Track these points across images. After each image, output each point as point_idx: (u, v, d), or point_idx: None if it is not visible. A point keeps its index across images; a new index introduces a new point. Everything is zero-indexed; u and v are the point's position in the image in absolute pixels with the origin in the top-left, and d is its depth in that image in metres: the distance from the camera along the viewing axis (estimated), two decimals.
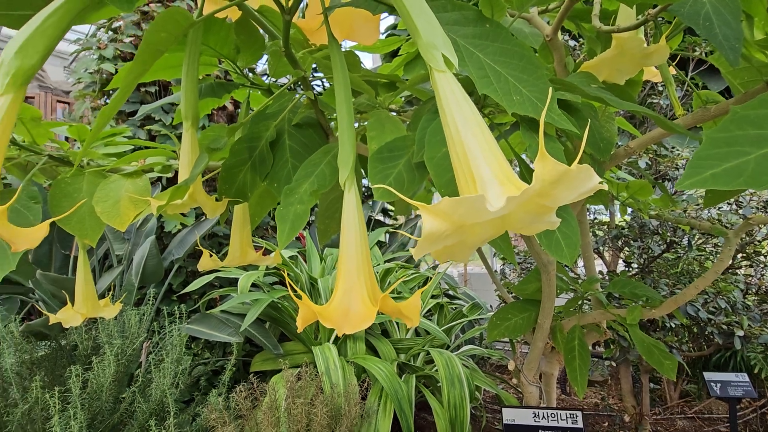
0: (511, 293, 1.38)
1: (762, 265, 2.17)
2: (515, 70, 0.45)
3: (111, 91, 3.47)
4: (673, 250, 2.08)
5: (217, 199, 0.69)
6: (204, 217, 2.74)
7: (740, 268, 2.17)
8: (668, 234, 1.94)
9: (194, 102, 0.66)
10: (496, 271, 3.29)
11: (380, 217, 5.62)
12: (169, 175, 0.82)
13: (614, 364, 2.15)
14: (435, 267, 4.65)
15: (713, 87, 2.73)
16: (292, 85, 0.71)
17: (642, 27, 0.72)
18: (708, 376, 2.01)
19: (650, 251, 1.98)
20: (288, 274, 2.93)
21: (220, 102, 0.92)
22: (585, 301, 0.99)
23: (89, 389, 1.55)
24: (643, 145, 0.74)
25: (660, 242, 1.97)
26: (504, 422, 1.04)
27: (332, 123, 0.74)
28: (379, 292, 0.45)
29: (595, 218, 2.63)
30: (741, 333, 1.65)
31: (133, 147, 0.89)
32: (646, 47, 0.73)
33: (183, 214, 3.10)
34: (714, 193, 0.86)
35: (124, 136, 0.91)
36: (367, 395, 2.02)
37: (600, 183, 0.26)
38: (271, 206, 0.97)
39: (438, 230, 0.27)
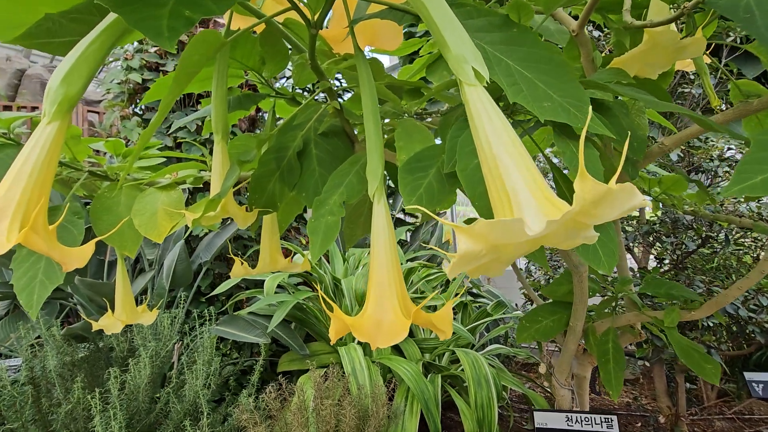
0: (539, 293, 1.36)
1: None
2: (544, 74, 0.44)
3: (138, 100, 3.59)
4: (708, 245, 2.00)
5: (247, 210, 0.71)
6: (230, 221, 2.81)
7: None
8: (704, 229, 1.87)
9: (224, 115, 0.68)
10: (521, 269, 3.24)
11: (401, 216, 5.63)
12: (200, 185, 0.85)
13: (647, 363, 2.08)
14: None
15: (749, 73, 2.60)
16: (317, 96, 0.72)
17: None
18: (749, 376, 1.93)
19: (684, 247, 1.91)
20: (314, 280, 2.97)
21: (247, 112, 0.94)
22: (618, 302, 0.96)
23: (127, 390, 1.61)
24: (679, 142, 0.71)
25: (695, 237, 1.89)
26: (536, 426, 1.02)
27: (356, 130, 0.74)
28: (411, 304, 0.45)
29: None
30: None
31: (165, 159, 0.92)
32: (681, 40, 0.70)
33: None
34: (732, 187, 0.83)
35: (156, 149, 0.94)
36: (393, 395, 2.03)
37: (643, 200, 0.25)
38: (297, 212, 0.98)
39: (473, 251, 0.26)
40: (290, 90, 0.88)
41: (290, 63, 0.81)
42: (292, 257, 0.80)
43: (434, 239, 4.15)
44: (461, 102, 0.54)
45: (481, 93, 0.32)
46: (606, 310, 0.96)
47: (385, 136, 0.74)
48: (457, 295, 2.87)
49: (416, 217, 6.06)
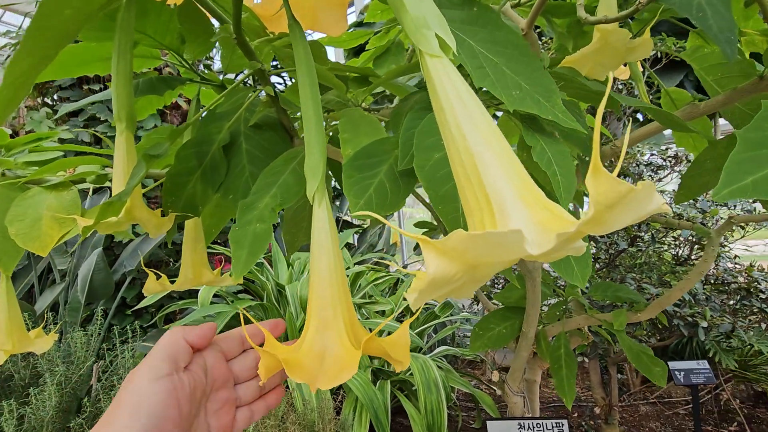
0: (491, 299, 1.35)
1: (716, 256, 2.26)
2: (511, 60, 0.38)
3: (50, 89, 3.18)
4: (636, 245, 2.12)
5: (162, 215, 0.59)
6: None
7: (696, 259, 2.25)
8: (633, 228, 1.98)
9: (128, 100, 0.55)
10: None
11: (347, 218, 5.53)
12: (106, 185, 0.71)
13: (587, 359, 2.17)
14: (405, 266, 4.61)
15: (667, 84, 2.81)
16: (248, 80, 0.61)
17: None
18: (672, 365, 2.07)
19: (616, 246, 2.01)
20: (256, 288, 2.78)
21: (165, 101, 0.81)
22: (567, 306, 0.95)
23: (26, 426, 1.37)
24: (633, 143, 0.70)
25: (625, 237, 2.00)
26: None
27: (296, 124, 0.65)
28: (361, 330, 0.37)
29: None
30: (705, 324, 1.69)
31: (64, 153, 0.77)
32: (631, 40, 0.69)
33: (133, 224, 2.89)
34: (686, 190, 0.84)
35: (59, 140, 0.78)
36: (341, 407, 1.93)
37: (663, 204, 0.19)
38: (230, 215, 0.87)
39: (446, 274, 0.19)
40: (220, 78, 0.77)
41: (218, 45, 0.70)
42: (222, 268, 0.69)
43: (382, 241, 4.11)
44: (416, 90, 0.47)
45: (448, 66, 0.25)
46: (556, 315, 0.95)
47: (330, 134, 0.66)
48: (412, 315, 2.84)
49: (364, 219, 5.99)
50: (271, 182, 0.44)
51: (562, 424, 0.98)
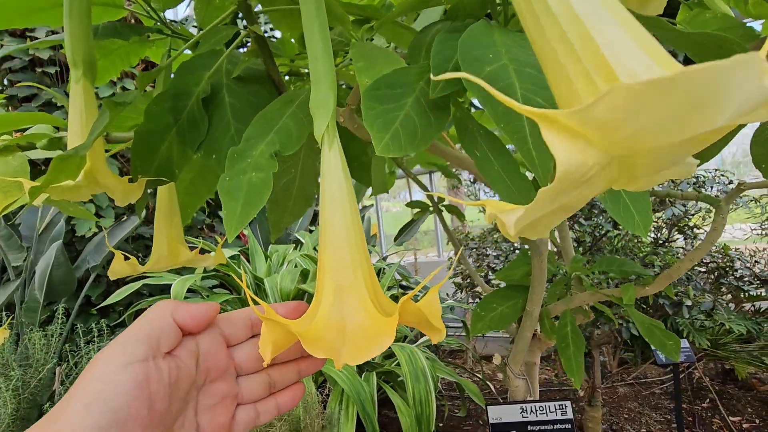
0: (486, 280, 1.30)
1: (693, 237, 2.32)
2: None
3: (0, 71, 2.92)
4: (620, 227, 2.14)
5: (131, 180, 0.50)
6: (125, 217, 2.39)
7: (675, 241, 2.30)
8: None
9: (85, 41, 0.46)
10: (450, 258, 3.26)
11: None
12: (60, 152, 0.61)
13: None
14: (385, 258, 4.56)
15: None
16: (229, 22, 0.53)
17: None
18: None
19: (601, 228, 2.02)
20: (233, 281, 2.66)
21: (130, 61, 0.71)
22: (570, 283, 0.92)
23: None
24: None
25: (609, 219, 2.01)
26: (490, 422, 0.94)
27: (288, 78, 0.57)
28: (384, 297, 0.30)
29: None
30: (689, 302, 1.72)
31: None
32: None
33: (98, 215, 2.69)
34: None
35: None
36: (327, 401, 1.86)
37: None
38: (207, 195, 0.78)
39: (581, 168, 0.13)
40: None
41: None
42: (200, 250, 0.61)
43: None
44: (435, 21, 0.40)
45: None
46: (560, 292, 0.91)
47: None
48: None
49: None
50: (266, 128, 0.37)
51: (565, 406, 0.95)
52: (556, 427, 0.94)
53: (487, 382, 3.09)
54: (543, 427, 0.94)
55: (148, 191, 0.55)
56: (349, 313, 0.26)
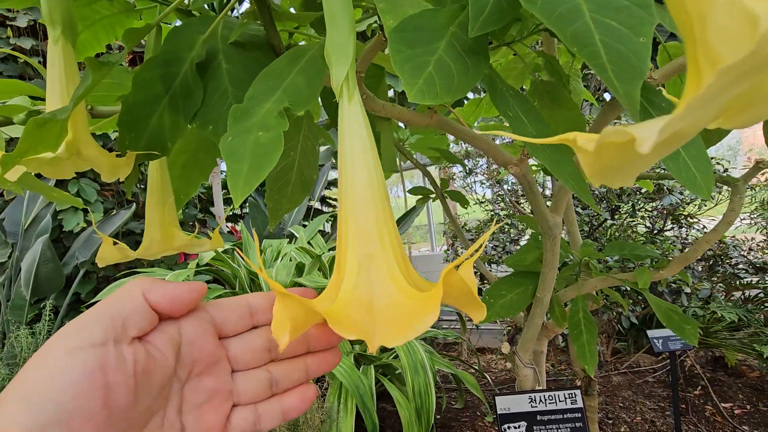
0: (492, 265, 1.27)
1: (688, 227, 2.32)
2: None
3: None
4: (617, 216, 2.13)
5: (119, 156, 0.46)
6: (114, 211, 2.32)
7: (671, 230, 2.30)
8: (615, 200, 1.97)
9: None
10: (447, 250, 3.24)
11: (318, 205, 5.35)
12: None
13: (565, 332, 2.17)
14: None
15: None
16: None
17: None
18: (651, 333, 2.11)
19: (598, 217, 2.00)
20: (227, 276, 2.60)
21: (116, 33, 0.66)
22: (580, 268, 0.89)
23: None
24: (668, 76, 0.63)
25: (607, 208, 2.00)
26: (498, 413, 0.92)
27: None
28: (414, 272, 0.26)
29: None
30: (687, 290, 1.71)
31: None
32: None
33: (85, 210, 2.61)
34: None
35: None
36: (325, 394, 1.83)
37: None
38: (201, 179, 0.73)
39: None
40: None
41: None
42: (202, 229, 0.56)
43: None
44: None
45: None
46: (572, 276, 0.88)
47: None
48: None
49: (334, 206, 5.83)
50: (272, 86, 0.33)
51: (575, 395, 0.92)
52: (565, 416, 0.91)
53: (484, 374, 3.09)
54: (552, 417, 0.91)
55: (139, 178, 0.50)
56: (378, 289, 0.22)
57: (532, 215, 1.11)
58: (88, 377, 0.22)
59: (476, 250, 0.22)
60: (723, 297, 2.52)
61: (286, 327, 0.23)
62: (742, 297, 2.66)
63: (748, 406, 2.66)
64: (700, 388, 2.97)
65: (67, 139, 0.40)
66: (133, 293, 0.26)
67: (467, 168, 2.54)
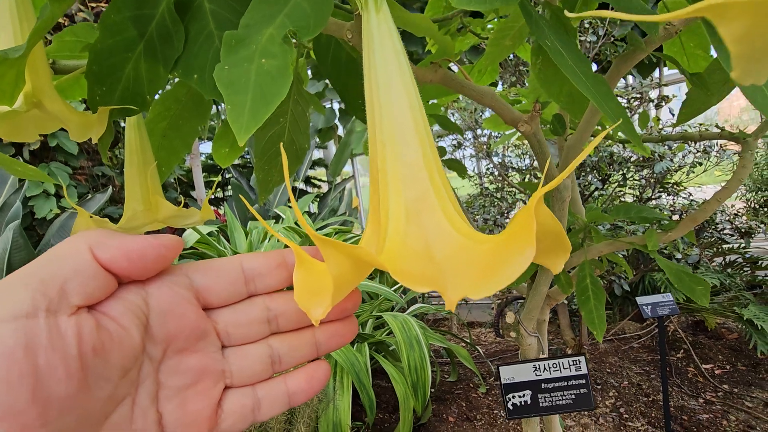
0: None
1: (676, 194, 2.34)
2: None
3: None
4: (606, 185, 2.13)
5: (90, 112, 0.39)
6: (89, 195, 2.20)
7: (659, 198, 2.32)
8: (606, 168, 1.97)
9: None
10: None
11: (302, 186, 5.26)
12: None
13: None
14: None
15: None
16: None
17: None
18: (640, 300, 2.14)
19: (589, 187, 2.00)
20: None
21: None
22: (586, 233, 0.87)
23: None
24: (687, 19, 0.59)
25: (598, 178, 1.99)
26: (502, 383, 0.90)
27: None
28: (461, 215, 0.22)
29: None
30: (678, 256, 1.73)
31: None
32: None
33: (58, 195, 2.48)
34: (687, 109, 0.77)
35: None
36: None
37: None
38: (184, 150, 0.67)
39: None
40: None
41: None
42: (184, 205, 0.51)
43: (343, 205, 3.94)
44: None
45: None
46: (579, 242, 0.85)
47: None
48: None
49: (318, 186, 5.75)
50: (271, 12, 0.27)
51: (579, 362, 0.92)
52: (570, 383, 0.91)
53: (476, 347, 3.13)
54: (557, 384, 0.91)
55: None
56: (436, 237, 0.18)
57: (521, 187, 1.08)
58: (6, 360, 0.17)
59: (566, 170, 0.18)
60: (708, 263, 2.59)
61: (321, 292, 0.18)
62: (723, 262, 2.73)
63: (728, 366, 2.77)
64: (682, 351, 3.07)
65: (26, 90, 0.34)
66: (77, 249, 0.20)
67: (456, 141, 2.50)
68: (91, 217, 0.45)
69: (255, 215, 0.19)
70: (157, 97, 0.53)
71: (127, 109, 0.39)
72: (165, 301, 0.23)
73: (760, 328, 2.34)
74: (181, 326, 0.23)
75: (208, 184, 4.25)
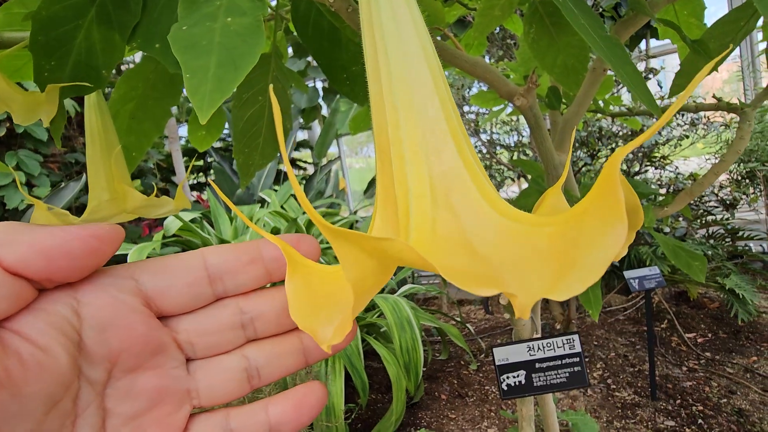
0: None
1: (662, 168, 2.35)
2: None
3: None
4: (595, 160, 2.12)
5: (40, 91, 0.35)
6: (63, 183, 2.10)
7: (646, 172, 2.33)
8: (596, 143, 1.95)
9: None
10: None
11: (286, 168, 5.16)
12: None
13: None
14: (355, 212, 4.46)
15: None
16: None
17: None
18: (627, 274, 2.18)
19: (578, 162, 1.99)
20: (196, 247, 2.47)
21: None
22: None
23: None
24: None
25: (588, 152, 1.98)
26: (496, 364, 0.90)
27: None
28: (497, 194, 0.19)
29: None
30: (667, 229, 1.74)
31: None
32: None
33: (30, 184, 2.37)
34: (683, 79, 0.74)
35: None
36: None
37: None
38: (155, 133, 0.62)
39: None
40: None
41: None
42: (164, 192, 0.46)
43: (330, 187, 3.88)
44: None
45: None
46: None
47: None
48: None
49: (304, 168, 5.64)
50: None
51: (573, 340, 0.91)
52: (564, 361, 0.90)
53: (466, 324, 3.17)
54: (551, 363, 0.90)
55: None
56: (474, 221, 0.14)
57: (507, 164, 1.05)
58: None
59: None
60: (694, 234, 2.63)
61: (327, 306, 0.15)
62: (707, 234, 2.78)
63: (710, 335, 2.86)
64: (666, 321, 3.16)
65: None
66: None
67: None
68: (49, 209, 0.41)
69: (229, 204, 0.15)
70: (121, 76, 0.47)
71: (80, 86, 0.34)
72: (103, 310, 0.18)
73: (741, 296, 2.40)
74: (128, 340, 0.19)
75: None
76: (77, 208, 2.52)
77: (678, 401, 2.18)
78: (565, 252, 0.13)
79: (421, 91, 0.15)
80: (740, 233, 2.77)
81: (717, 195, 2.04)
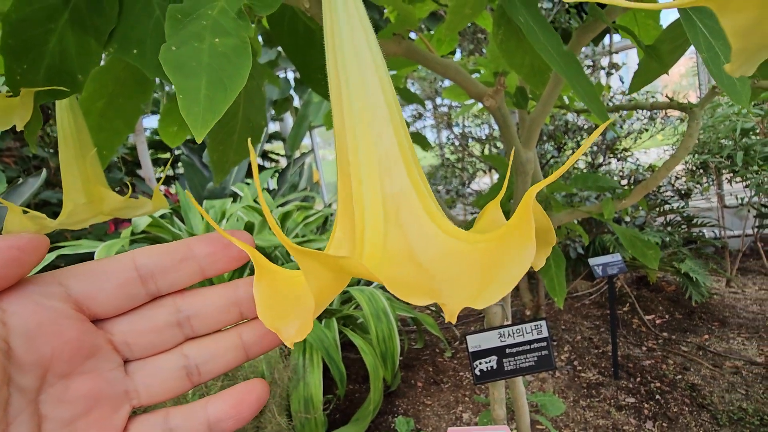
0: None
1: (624, 159, 2.46)
2: None
3: None
4: (561, 153, 2.20)
5: (10, 96, 0.34)
6: (20, 179, 2.00)
7: (609, 164, 2.44)
8: (562, 137, 2.03)
9: None
10: None
11: (259, 161, 5.08)
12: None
13: None
14: (330, 205, 4.44)
15: None
16: None
17: None
18: (592, 261, 2.28)
19: (545, 155, 2.06)
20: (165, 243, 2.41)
21: None
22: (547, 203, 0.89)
23: None
24: None
25: (555, 145, 2.05)
26: (469, 350, 0.94)
27: None
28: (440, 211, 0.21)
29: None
30: (627, 219, 1.84)
31: None
32: None
33: None
34: (641, 77, 0.79)
35: None
36: (290, 351, 1.81)
37: None
38: (126, 130, 0.62)
39: None
40: None
41: None
42: (132, 194, 0.46)
43: (304, 180, 3.85)
44: None
45: None
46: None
47: None
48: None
49: (276, 161, 5.56)
50: None
51: (541, 326, 0.96)
52: (532, 346, 0.95)
53: (440, 313, 3.24)
54: (521, 348, 0.95)
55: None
56: (419, 237, 0.17)
57: (484, 158, 1.09)
58: None
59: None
60: (652, 222, 2.79)
61: (292, 308, 0.17)
62: (664, 221, 2.95)
63: (667, 316, 3.04)
64: (628, 304, 3.33)
65: None
66: None
67: (417, 112, 2.48)
68: (25, 212, 0.41)
69: (197, 207, 0.17)
70: (90, 74, 0.47)
71: (56, 91, 0.34)
72: (30, 318, 0.18)
73: (695, 279, 2.56)
74: (59, 346, 0.19)
75: (155, 162, 4.00)
76: (36, 204, 2.40)
77: (638, 379, 2.32)
78: (488, 267, 0.16)
79: (378, 121, 0.17)
80: (694, 220, 2.95)
81: (673, 185, 2.17)
